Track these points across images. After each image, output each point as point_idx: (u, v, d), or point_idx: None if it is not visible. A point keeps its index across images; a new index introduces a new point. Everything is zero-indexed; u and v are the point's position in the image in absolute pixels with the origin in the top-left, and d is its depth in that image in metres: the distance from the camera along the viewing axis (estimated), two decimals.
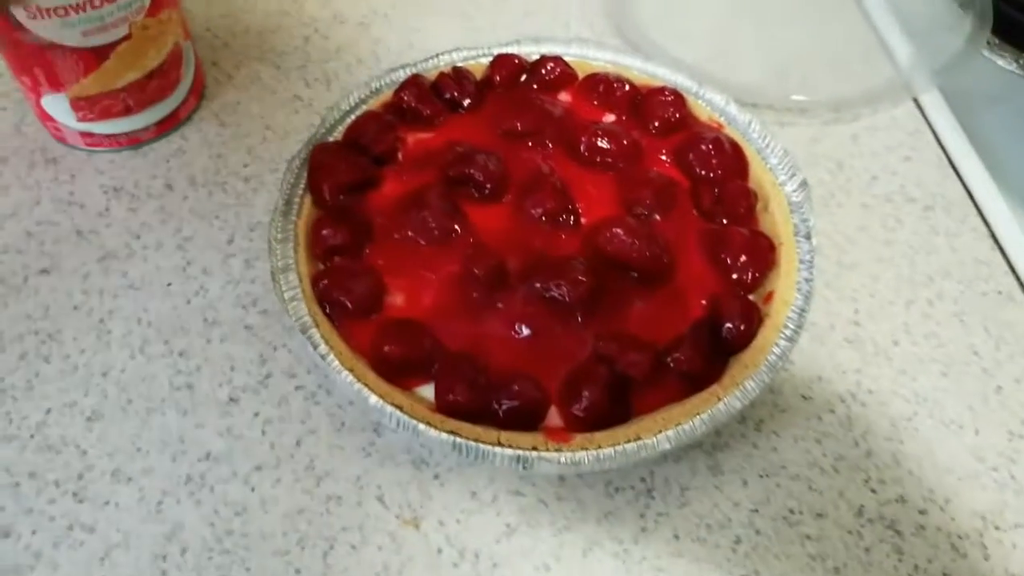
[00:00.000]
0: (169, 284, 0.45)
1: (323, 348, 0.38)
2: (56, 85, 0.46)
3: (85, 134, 0.49)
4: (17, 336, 0.43)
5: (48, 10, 0.42)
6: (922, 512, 0.39)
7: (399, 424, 0.36)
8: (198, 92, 0.53)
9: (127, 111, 0.49)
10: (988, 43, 0.58)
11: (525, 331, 0.39)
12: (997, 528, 0.39)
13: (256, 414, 0.41)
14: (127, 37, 0.46)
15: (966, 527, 0.39)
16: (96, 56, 0.45)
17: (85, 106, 0.48)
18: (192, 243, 0.47)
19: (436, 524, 0.38)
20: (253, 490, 0.38)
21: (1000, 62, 0.58)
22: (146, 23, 0.46)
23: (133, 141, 0.50)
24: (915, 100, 0.55)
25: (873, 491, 0.39)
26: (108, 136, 0.50)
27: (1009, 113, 0.55)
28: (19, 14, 0.42)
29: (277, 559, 0.36)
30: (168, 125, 0.51)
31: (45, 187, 0.49)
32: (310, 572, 0.36)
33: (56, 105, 0.48)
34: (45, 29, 0.43)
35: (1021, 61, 0.58)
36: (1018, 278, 0.47)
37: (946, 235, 0.49)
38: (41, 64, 0.45)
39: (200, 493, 0.38)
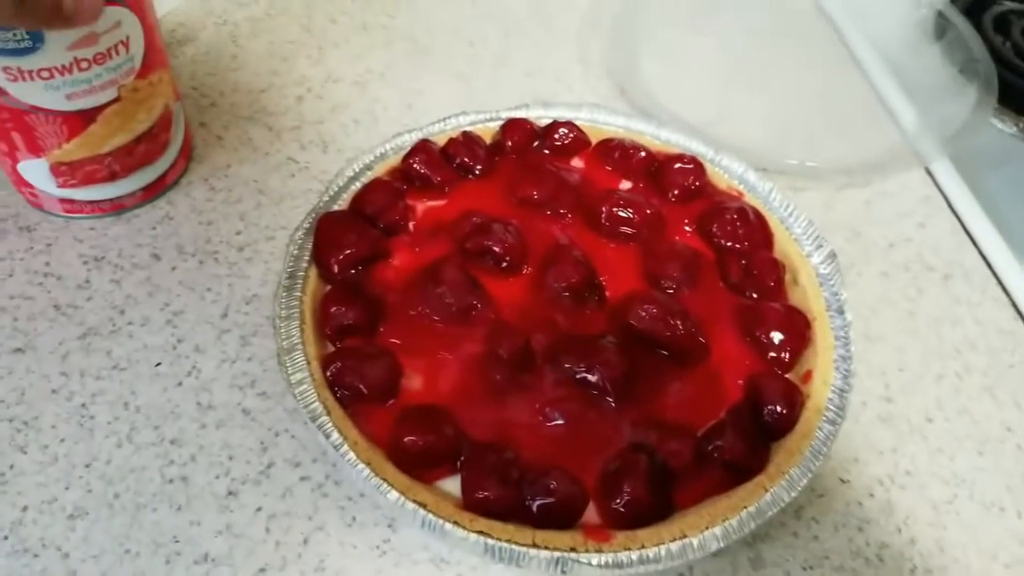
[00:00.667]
0: (158, 364, 0.41)
1: (336, 438, 0.35)
2: (35, 150, 0.43)
3: (65, 200, 0.46)
4: None
5: (30, 72, 0.39)
6: None
7: (424, 524, 0.33)
8: (187, 155, 0.50)
9: (112, 176, 0.46)
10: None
11: (556, 417, 0.36)
12: None
13: (258, 509, 0.37)
14: (115, 100, 0.43)
15: None
16: (81, 120, 0.42)
17: (67, 171, 0.44)
18: (182, 318, 0.43)
19: None
20: None
21: (1000, 126, 0.59)
22: (136, 85, 0.44)
23: (117, 207, 0.47)
24: (925, 167, 0.55)
25: None
26: (90, 202, 0.46)
27: (1016, 177, 0.55)
28: None
29: None
30: (155, 190, 0.48)
31: (18, 258, 0.45)
32: None
33: (34, 170, 0.44)
34: (26, 92, 0.40)
35: (1021, 125, 0.58)
36: None
37: (968, 305, 0.48)
38: (20, 128, 0.42)
39: None
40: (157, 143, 0.47)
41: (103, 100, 0.42)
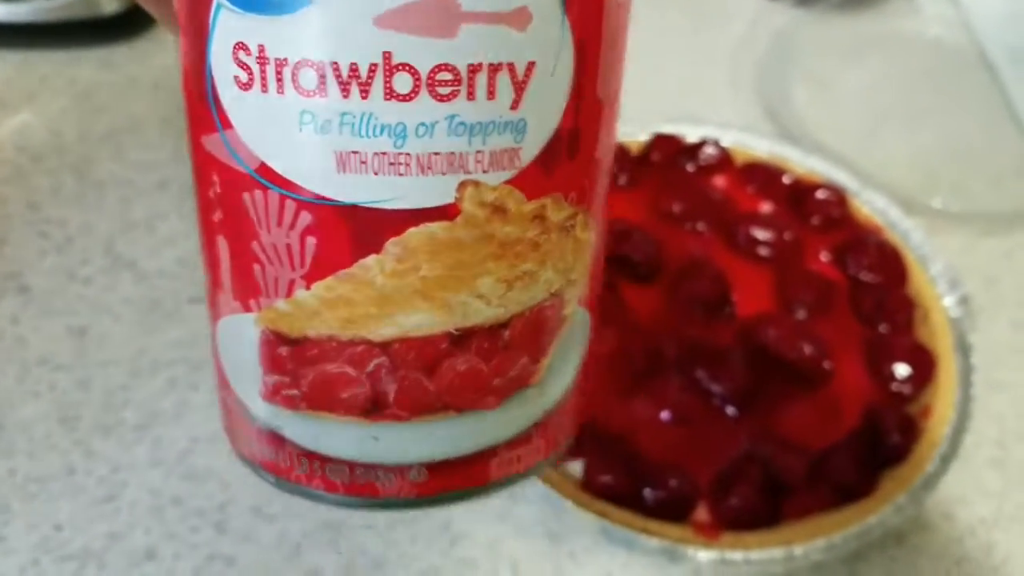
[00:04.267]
0: None
1: None
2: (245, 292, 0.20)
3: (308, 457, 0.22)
4: (167, 362, 0.45)
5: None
6: None
7: (545, 498, 0.37)
8: (554, 438, 0.24)
9: (442, 407, 0.21)
10: None
11: (678, 420, 0.40)
12: None
13: None
14: (447, 211, 0.19)
15: None
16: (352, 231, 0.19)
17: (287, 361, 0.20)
18: None
19: None
20: (390, 544, 0.39)
21: None
22: (500, 200, 0.19)
23: (361, 492, 0.22)
24: None
25: None
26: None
27: None
28: None
29: None
30: (493, 473, 0.23)
31: None
32: None
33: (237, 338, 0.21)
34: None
35: None
36: None
37: None
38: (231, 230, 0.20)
39: (339, 541, 0.39)
40: (515, 360, 0.21)
41: (418, 201, 0.18)
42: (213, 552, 0.39)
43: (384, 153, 0.18)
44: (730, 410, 0.40)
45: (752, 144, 0.52)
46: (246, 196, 0.19)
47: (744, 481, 0.38)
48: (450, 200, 0.18)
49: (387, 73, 0.17)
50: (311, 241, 0.19)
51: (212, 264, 0.21)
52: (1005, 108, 0.65)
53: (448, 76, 0.17)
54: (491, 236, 0.19)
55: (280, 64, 0.17)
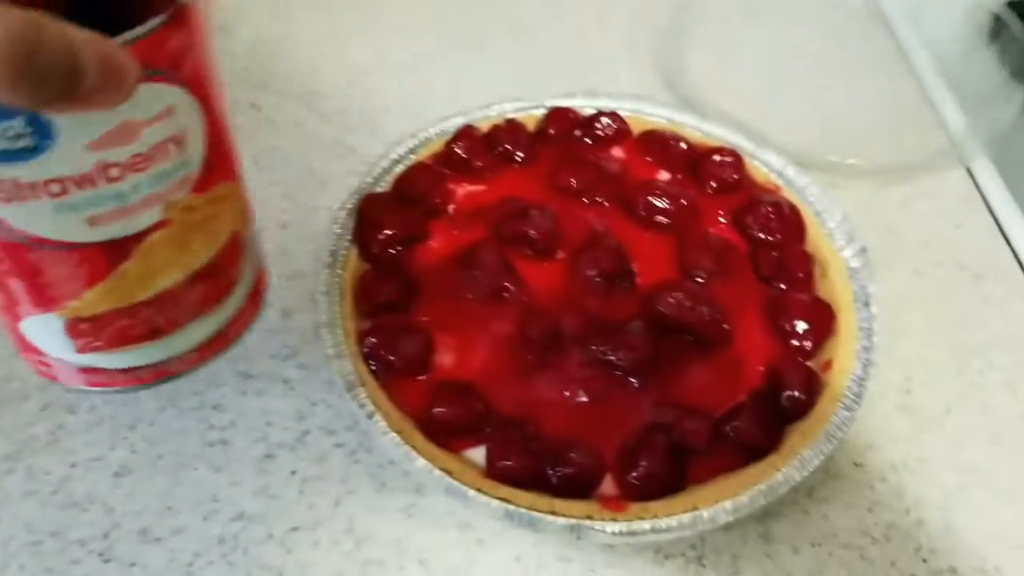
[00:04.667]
0: None
1: (370, 408, 0.38)
2: (45, 303, 0.32)
3: (88, 370, 0.36)
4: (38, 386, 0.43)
5: (33, 185, 0.27)
6: None
7: (449, 490, 0.36)
8: (258, 298, 0.40)
9: (154, 334, 0.35)
10: None
11: (580, 396, 0.39)
12: None
13: (293, 472, 0.40)
14: (161, 224, 0.32)
15: None
16: (108, 255, 0.31)
17: (89, 331, 0.34)
18: None
19: None
20: (290, 552, 0.38)
21: None
22: (191, 202, 0.32)
23: (161, 375, 0.37)
24: (967, 168, 0.57)
25: (924, 560, 0.39)
26: (123, 372, 0.37)
27: None
28: None
29: None
30: (216, 348, 0.38)
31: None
32: None
33: (43, 331, 0.34)
34: (28, 217, 0.28)
35: None
36: None
37: (997, 304, 0.49)
38: (21, 271, 0.31)
39: (233, 555, 0.38)
40: (219, 283, 0.35)
41: (143, 225, 0.31)
42: None
43: (118, 208, 0.30)
44: (632, 381, 0.40)
45: (649, 113, 0.51)
46: (28, 254, 0.31)
47: (648, 450, 0.37)
48: (163, 217, 0.32)
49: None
50: (86, 267, 0.32)
51: (5, 293, 0.33)
52: (901, 61, 0.66)
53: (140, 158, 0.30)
54: (190, 223, 0.33)
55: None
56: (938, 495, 0.42)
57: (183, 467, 0.40)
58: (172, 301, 0.35)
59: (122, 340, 0.34)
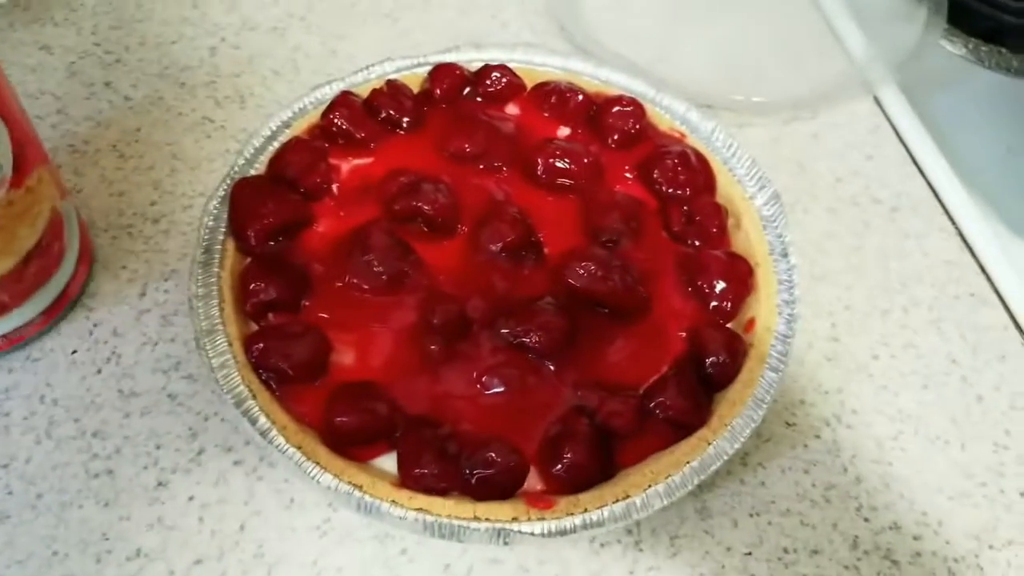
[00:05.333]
0: (74, 352, 0.40)
1: (264, 423, 0.34)
2: None
3: None
4: None
5: None
6: (916, 538, 0.38)
7: (360, 506, 0.32)
8: (88, 256, 0.42)
9: (2, 309, 0.38)
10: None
11: (494, 386, 0.36)
12: (991, 548, 0.38)
13: (191, 498, 0.36)
14: None
15: (961, 549, 0.38)
16: None
17: None
18: (97, 300, 0.41)
19: None
20: None
21: (950, 47, 0.58)
22: (11, 198, 0.35)
23: (15, 342, 0.39)
24: (874, 96, 0.54)
25: (866, 520, 0.38)
26: None
27: (963, 101, 0.55)
28: None
29: None
30: (58, 309, 0.40)
31: None
32: None
33: None
34: None
35: (971, 46, 0.57)
36: (988, 279, 0.46)
37: (915, 237, 0.48)
38: None
39: None
40: (50, 257, 0.39)
41: None
42: None
43: None
44: (548, 364, 0.36)
45: (542, 63, 0.47)
46: None
47: (571, 439, 0.34)
48: None
49: None
50: None
51: None
52: None
53: None
54: (13, 215, 0.36)
55: None
56: (873, 448, 0.40)
57: (67, 505, 0.36)
58: (12, 281, 0.37)
59: None
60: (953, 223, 0.48)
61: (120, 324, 0.41)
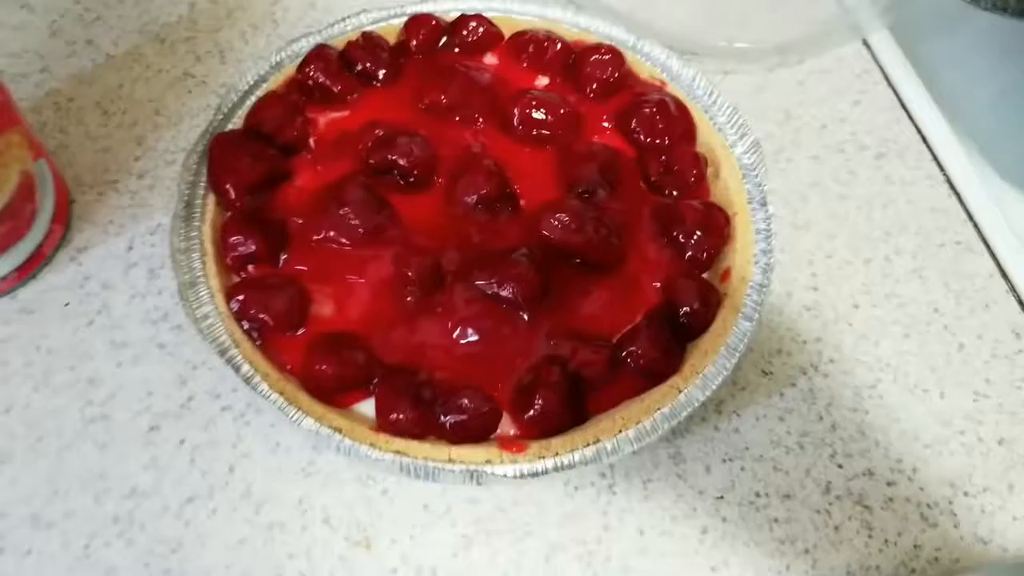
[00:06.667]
0: (66, 304, 0.43)
1: (247, 370, 0.37)
2: None
3: None
4: None
5: None
6: (890, 484, 0.41)
7: (340, 448, 0.36)
8: (64, 216, 0.45)
9: None
10: None
11: (469, 335, 0.39)
12: (966, 494, 0.41)
13: (182, 441, 0.40)
14: None
15: (935, 495, 0.41)
16: None
17: None
18: (87, 255, 0.45)
19: (388, 542, 0.38)
20: (187, 524, 0.38)
21: None
22: None
23: None
24: (863, 39, 0.56)
25: (840, 466, 0.41)
26: None
27: (957, 44, 0.56)
28: None
29: None
30: (33, 266, 0.44)
31: None
32: None
33: None
34: None
35: None
36: (976, 226, 0.48)
37: (901, 184, 0.50)
38: None
39: (130, 532, 0.38)
40: (21, 217, 0.42)
41: None
42: None
43: None
44: (522, 314, 0.39)
45: (520, 12, 0.49)
46: None
47: (544, 386, 0.37)
48: None
49: None
50: None
51: None
52: None
53: None
54: None
55: None
56: (850, 396, 0.43)
57: (66, 448, 0.40)
58: None
59: None
60: (941, 170, 0.50)
61: (109, 277, 0.44)
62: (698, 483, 0.40)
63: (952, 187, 0.50)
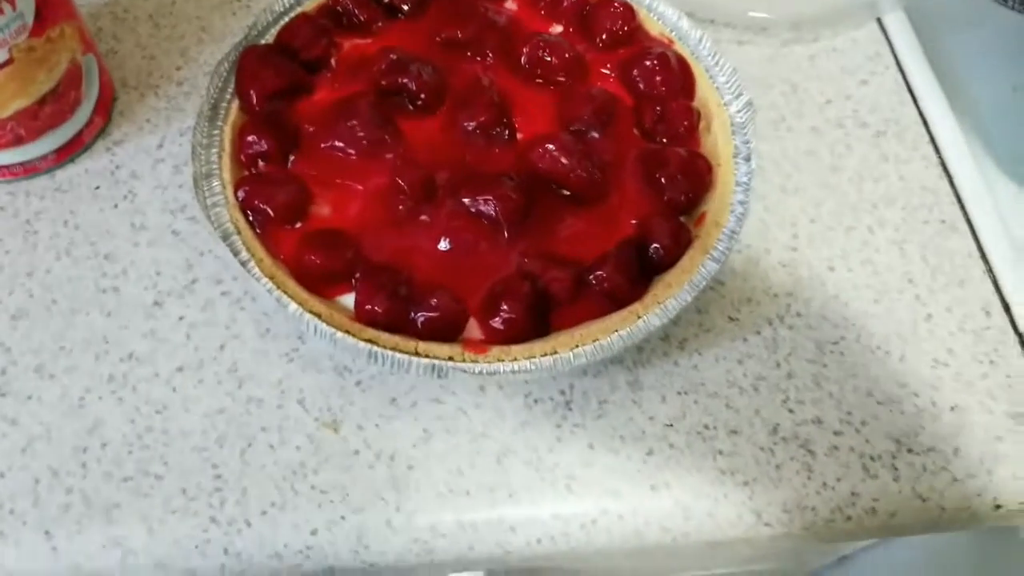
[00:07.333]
0: (97, 188, 0.48)
1: (244, 255, 0.41)
2: None
3: None
4: None
5: None
6: (837, 433, 0.43)
7: (317, 332, 0.39)
8: (105, 110, 0.50)
9: (18, 141, 0.46)
10: None
11: (449, 245, 0.42)
12: (910, 451, 0.42)
13: (181, 318, 0.44)
14: (7, 62, 0.43)
15: (879, 449, 0.42)
16: None
17: None
18: (121, 147, 0.50)
19: (355, 428, 0.42)
20: (175, 390, 0.42)
21: None
22: (31, 44, 0.44)
23: (29, 171, 0.48)
24: (879, 22, 0.57)
25: (791, 411, 0.43)
26: (0, 167, 0.48)
27: (972, 35, 0.57)
28: None
29: (195, 455, 0.40)
30: (71, 150, 0.49)
31: None
32: (228, 468, 0.40)
33: None
34: None
35: None
36: (963, 208, 0.50)
37: (895, 162, 0.51)
38: None
39: (122, 391, 0.42)
40: (65, 102, 0.47)
41: None
42: None
43: None
44: (502, 232, 0.43)
45: None
46: None
47: (511, 297, 0.40)
48: (8, 57, 0.43)
49: None
50: None
51: None
52: None
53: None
54: (31, 60, 0.44)
55: None
56: (811, 349, 0.45)
57: (77, 311, 0.44)
58: (28, 118, 0.46)
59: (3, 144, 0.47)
60: (938, 153, 0.52)
61: (138, 168, 0.49)
62: (651, 409, 0.43)
63: (945, 169, 0.51)
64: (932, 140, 0.52)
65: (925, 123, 0.53)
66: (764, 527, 0.41)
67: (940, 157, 0.52)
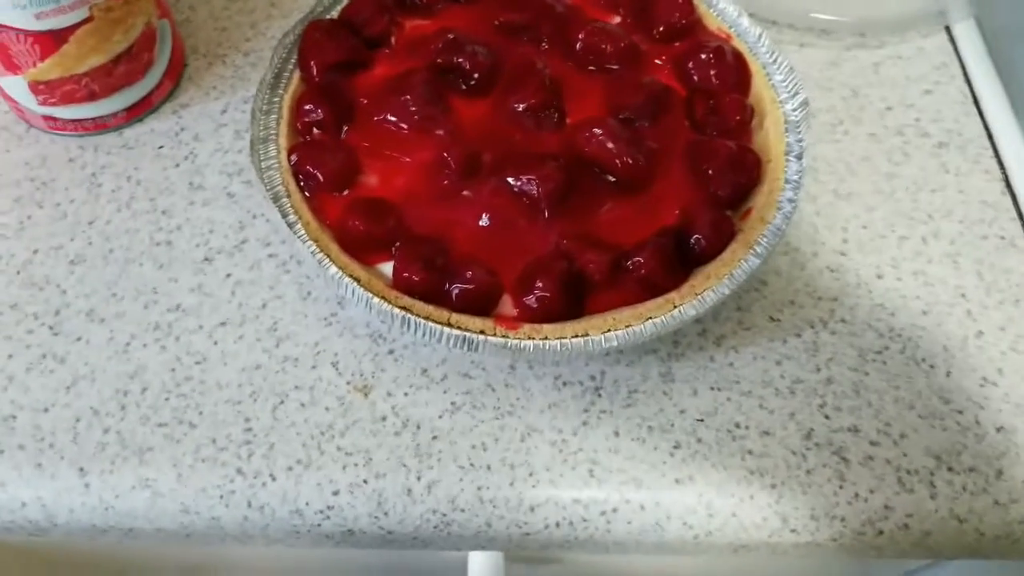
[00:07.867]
0: (160, 147, 0.50)
1: (292, 217, 0.42)
2: (12, 68, 0.47)
3: (48, 118, 0.50)
4: (14, 181, 0.49)
5: None
6: (873, 444, 0.42)
7: (354, 296, 0.40)
8: (175, 74, 0.53)
9: (92, 97, 0.49)
10: None
11: (489, 221, 0.43)
12: (950, 469, 0.41)
13: (228, 275, 0.46)
14: (87, 20, 0.45)
15: (917, 464, 0.41)
16: (53, 40, 0.45)
17: (45, 90, 0.48)
18: (187, 110, 0.52)
19: (384, 394, 0.42)
20: (216, 343, 0.43)
21: None
22: (110, 4, 0.46)
23: (101, 127, 0.51)
24: (948, 31, 0.56)
25: (826, 417, 0.42)
26: (73, 121, 0.50)
27: None
28: None
29: (229, 407, 0.41)
30: (140, 110, 0.51)
31: None
32: (258, 423, 0.41)
33: (15, 87, 0.48)
34: None
35: None
36: None
37: (956, 174, 0.50)
38: None
39: (166, 340, 0.43)
40: (138, 63, 0.49)
41: (74, 20, 0.45)
42: (46, 351, 0.43)
43: (56, 8, 0.44)
44: (543, 211, 0.43)
45: None
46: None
47: (546, 275, 0.40)
48: (89, 15, 0.45)
49: None
50: (38, 47, 0.46)
51: None
52: None
53: None
54: (110, 19, 0.47)
55: None
56: (853, 356, 0.44)
57: (131, 261, 0.46)
58: (103, 74, 0.48)
59: (69, 99, 0.49)
60: (1001, 167, 0.50)
61: (201, 131, 0.51)
62: (682, 403, 0.42)
63: (1008, 185, 0.49)
64: (996, 154, 0.51)
65: (990, 136, 0.51)
66: (790, 532, 0.40)
67: (1004, 172, 0.50)
